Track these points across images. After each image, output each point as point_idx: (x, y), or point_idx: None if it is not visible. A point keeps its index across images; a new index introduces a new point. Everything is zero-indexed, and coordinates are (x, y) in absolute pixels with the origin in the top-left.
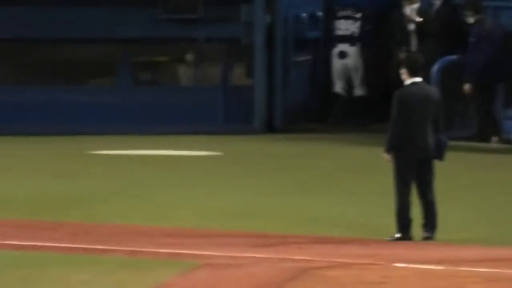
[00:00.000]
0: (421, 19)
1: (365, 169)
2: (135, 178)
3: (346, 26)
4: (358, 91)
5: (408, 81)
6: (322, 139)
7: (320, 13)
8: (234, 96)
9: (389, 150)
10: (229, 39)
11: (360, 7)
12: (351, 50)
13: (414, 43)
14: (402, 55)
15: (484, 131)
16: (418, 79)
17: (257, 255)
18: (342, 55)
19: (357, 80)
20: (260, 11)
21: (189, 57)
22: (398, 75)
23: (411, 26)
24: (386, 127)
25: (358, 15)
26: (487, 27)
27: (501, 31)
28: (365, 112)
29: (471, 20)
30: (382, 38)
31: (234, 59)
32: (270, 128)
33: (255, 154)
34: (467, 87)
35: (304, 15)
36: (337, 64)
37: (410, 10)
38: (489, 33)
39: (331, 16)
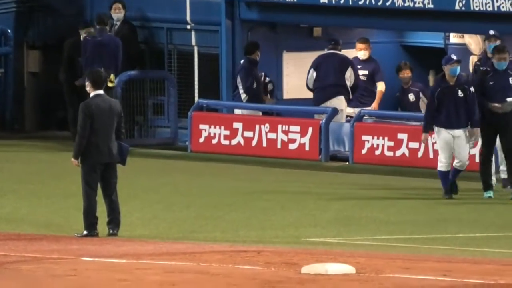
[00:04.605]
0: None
1: (55, 173)
2: None
3: None
4: None
5: (92, 93)
6: (15, 145)
7: (9, 31)
8: None
9: (76, 155)
10: None
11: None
12: None
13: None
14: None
15: None
16: (101, 92)
17: None
18: None
19: None
20: None
21: None
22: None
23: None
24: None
25: None
26: (101, 38)
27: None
28: None
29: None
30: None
31: None
32: None
33: None
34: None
35: None
36: None
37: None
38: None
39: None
